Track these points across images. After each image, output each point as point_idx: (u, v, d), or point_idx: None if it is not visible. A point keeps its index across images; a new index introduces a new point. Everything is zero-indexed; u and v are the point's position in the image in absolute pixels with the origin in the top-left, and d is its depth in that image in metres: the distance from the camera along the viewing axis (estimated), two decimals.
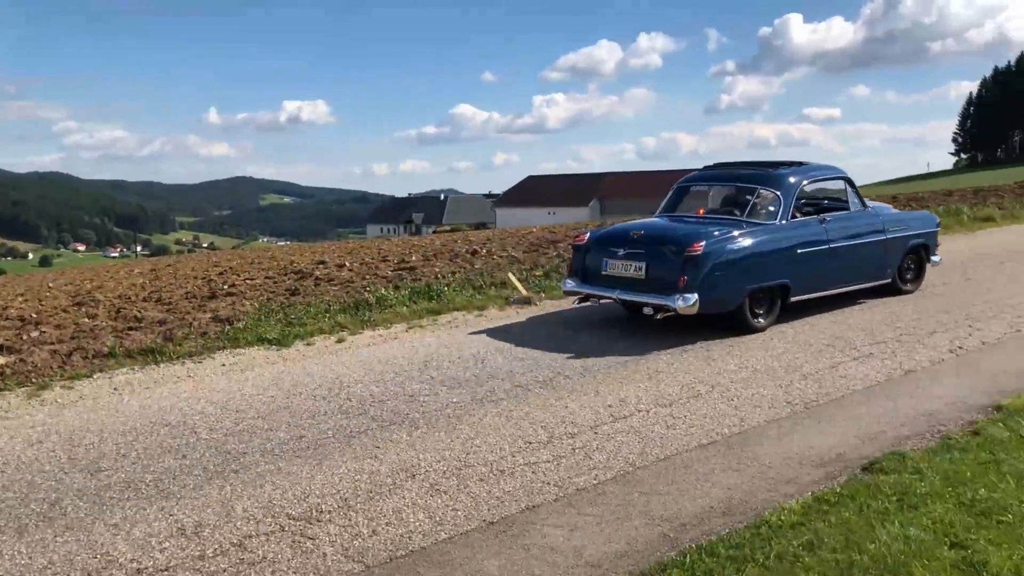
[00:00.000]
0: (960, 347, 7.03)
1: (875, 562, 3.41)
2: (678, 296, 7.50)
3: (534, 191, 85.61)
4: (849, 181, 9.30)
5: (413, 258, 14.02)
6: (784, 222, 8.31)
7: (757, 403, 5.74)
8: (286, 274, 13.02)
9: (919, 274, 9.90)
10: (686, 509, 4.15)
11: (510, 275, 10.36)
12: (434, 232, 46.14)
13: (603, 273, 8.31)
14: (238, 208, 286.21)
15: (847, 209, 9.15)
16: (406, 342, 7.87)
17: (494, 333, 8.11)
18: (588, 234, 8.88)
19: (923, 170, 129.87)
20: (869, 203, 9.66)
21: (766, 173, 8.80)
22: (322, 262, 14.56)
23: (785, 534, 3.71)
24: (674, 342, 7.48)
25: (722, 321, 7.91)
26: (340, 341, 7.97)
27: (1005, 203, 19.57)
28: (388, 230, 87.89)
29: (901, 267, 9.65)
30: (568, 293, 8.80)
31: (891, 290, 9.54)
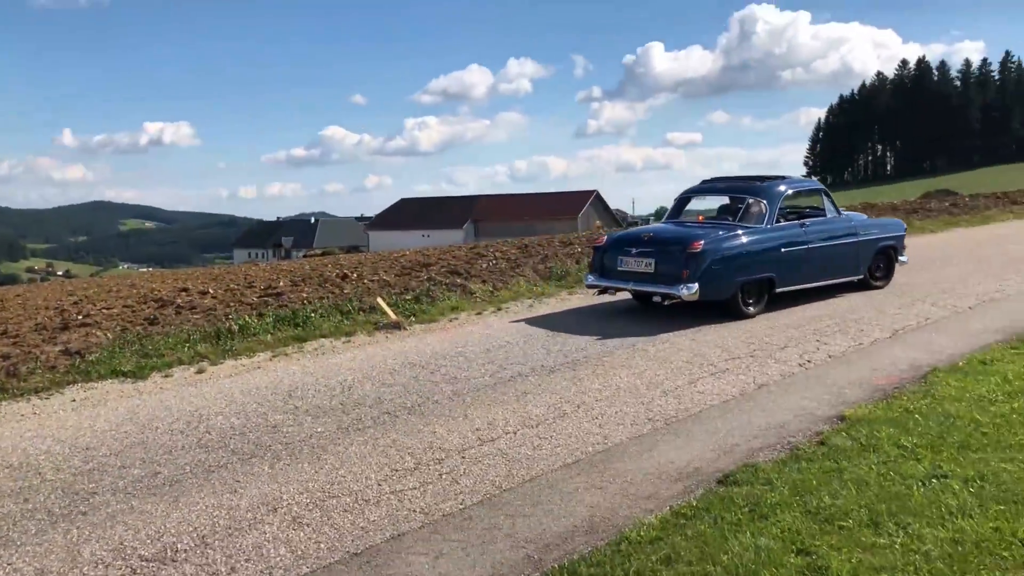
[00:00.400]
0: (808, 361, 7.40)
1: (728, 572, 3.54)
2: (682, 286, 8.96)
3: (408, 213, 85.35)
4: (826, 192, 10.92)
5: (281, 283, 13.69)
6: (770, 226, 9.78)
7: (620, 420, 5.88)
8: (146, 302, 12.47)
9: (888, 272, 11.34)
10: (550, 529, 4.20)
11: (379, 300, 10.27)
12: (304, 256, 45.26)
13: (619, 269, 9.78)
14: (96, 234, 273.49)
15: (824, 216, 10.63)
16: (270, 371, 7.67)
17: (361, 360, 8.01)
18: (606, 237, 10.50)
19: None
20: (844, 212, 11.29)
21: (755, 185, 10.28)
22: (185, 289, 14.02)
23: (644, 550, 3.80)
24: (542, 365, 7.57)
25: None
26: (200, 372, 7.70)
27: None
28: (256, 255, 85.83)
29: (872, 266, 11.07)
30: (590, 286, 10.19)
31: (864, 286, 11.00)
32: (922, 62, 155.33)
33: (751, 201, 9.98)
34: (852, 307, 9.85)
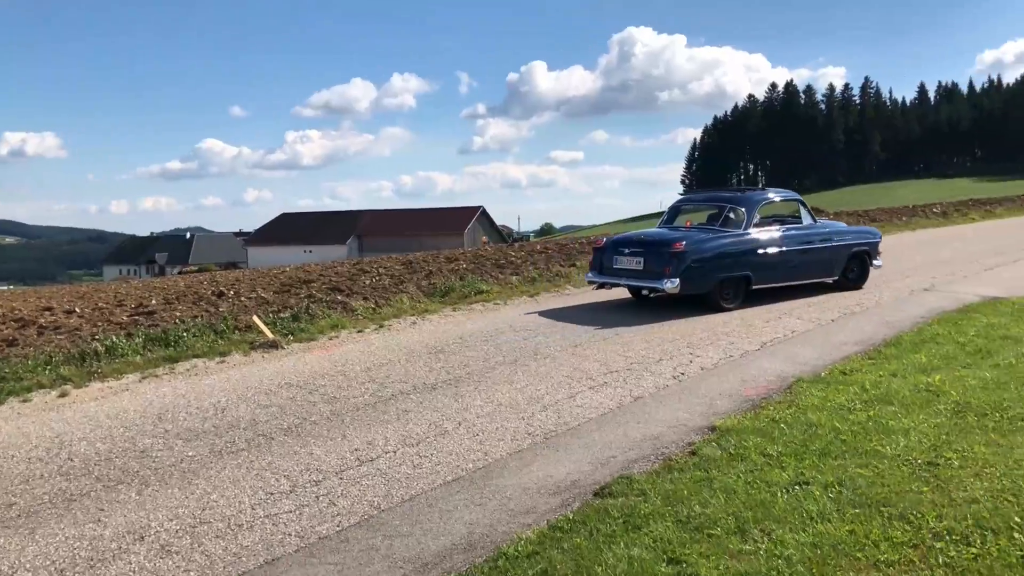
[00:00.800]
0: (682, 373, 7.63)
1: None
2: (666, 281, 10.32)
3: (289, 229, 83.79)
4: (802, 202, 12.21)
5: (153, 302, 13.19)
6: (747, 231, 11.06)
7: (501, 436, 5.91)
8: (4, 322, 11.78)
9: (862, 275, 12.49)
10: (429, 548, 4.18)
11: (255, 318, 10.02)
12: (179, 273, 43.76)
13: (614, 267, 11.22)
14: None
15: (800, 223, 11.87)
16: (139, 394, 7.36)
17: (236, 380, 7.78)
18: (605, 240, 11.87)
19: (657, 209, 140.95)
20: (821, 219, 12.60)
21: (735, 195, 11.78)
22: (48, 308, 13.33)
23: (521, 565, 3.83)
24: (424, 382, 7.54)
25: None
26: (63, 396, 7.32)
27: None
28: (128, 271, 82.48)
29: (846, 269, 12.27)
30: (591, 282, 11.66)
31: (842, 286, 12.19)
32: (790, 86, 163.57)
33: (731, 208, 11.30)
34: (724, 320, 10.22)
